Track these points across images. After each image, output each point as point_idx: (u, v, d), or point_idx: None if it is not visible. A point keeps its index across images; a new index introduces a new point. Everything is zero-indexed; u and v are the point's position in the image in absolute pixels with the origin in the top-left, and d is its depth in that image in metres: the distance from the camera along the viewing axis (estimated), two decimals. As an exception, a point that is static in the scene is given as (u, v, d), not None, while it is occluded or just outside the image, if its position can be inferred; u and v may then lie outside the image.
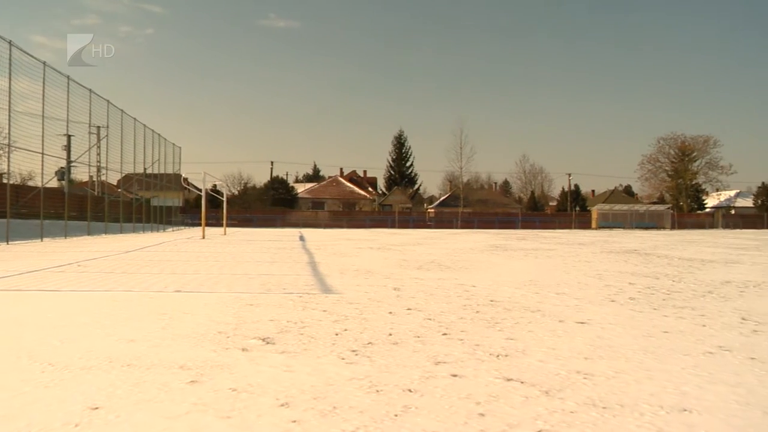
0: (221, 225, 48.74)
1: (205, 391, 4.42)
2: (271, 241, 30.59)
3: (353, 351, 5.75)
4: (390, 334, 6.59)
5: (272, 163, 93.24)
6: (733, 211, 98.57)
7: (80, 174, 43.10)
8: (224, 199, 48.09)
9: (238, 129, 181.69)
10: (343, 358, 5.45)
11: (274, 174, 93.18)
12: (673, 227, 76.38)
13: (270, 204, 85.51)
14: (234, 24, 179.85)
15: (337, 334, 6.56)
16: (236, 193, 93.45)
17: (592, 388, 4.60)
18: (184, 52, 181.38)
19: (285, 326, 6.99)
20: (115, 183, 48.76)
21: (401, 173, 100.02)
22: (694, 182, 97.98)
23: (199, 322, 7.17)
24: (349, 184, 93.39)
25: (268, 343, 6.10)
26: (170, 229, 54.11)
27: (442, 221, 76.67)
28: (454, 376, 4.90)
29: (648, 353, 5.80)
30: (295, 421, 3.81)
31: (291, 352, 5.68)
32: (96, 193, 41.80)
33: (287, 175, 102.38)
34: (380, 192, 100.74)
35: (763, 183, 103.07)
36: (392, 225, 72.41)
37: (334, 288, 10.86)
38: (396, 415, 3.95)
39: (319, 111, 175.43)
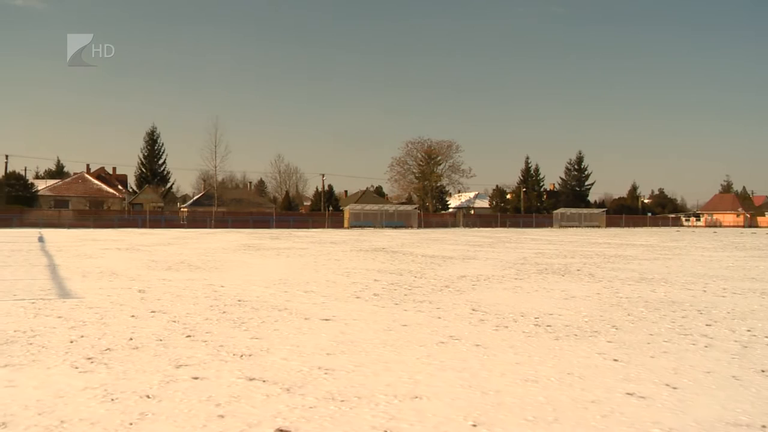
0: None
1: None
2: (3, 243, 27.82)
3: (89, 359, 5.43)
4: (131, 339, 6.32)
5: (7, 157, 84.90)
6: (472, 211, 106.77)
7: None
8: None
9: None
10: (76, 367, 5.13)
11: (10, 169, 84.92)
12: (420, 226, 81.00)
13: (5, 202, 77.72)
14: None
15: (72, 342, 6.15)
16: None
17: (332, 382, 4.76)
18: None
19: (11, 336, 6.41)
20: None
21: (153, 171, 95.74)
22: (438, 184, 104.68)
23: None
24: (96, 182, 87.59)
25: (-12, 356, 5.55)
26: None
27: (195, 221, 74.61)
28: (196, 378, 4.82)
29: (387, 346, 6.12)
30: (14, 440, 3.52)
31: (15, 365, 5.22)
32: None
33: (26, 170, 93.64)
34: (131, 190, 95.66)
35: (497, 186, 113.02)
36: (143, 225, 69.13)
37: (73, 292, 10.17)
38: (131, 424, 3.80)
39: (66, 104, 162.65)
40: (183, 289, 10.71)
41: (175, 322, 7.39)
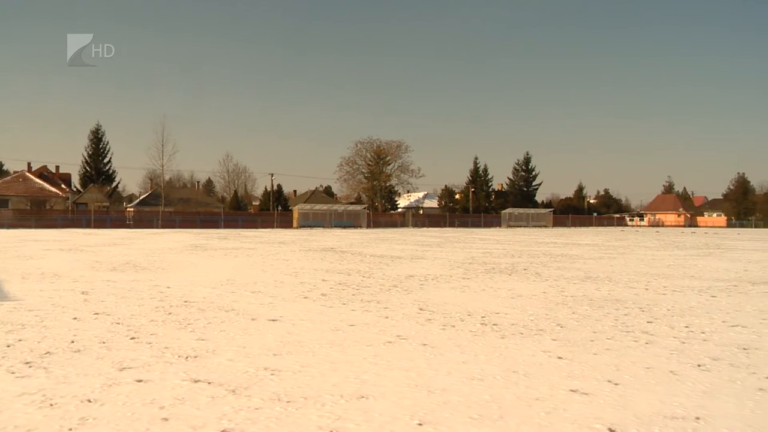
0: None
1: None
2: (-62, 244, 26.94)
3: (27, 363, 5.28)
4: (72, 342, 6.18)
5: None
6: (421, 211, 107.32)
7: None
8: None
9: None
10: (13, 372, 4.98)
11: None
12: (369, 226, 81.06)
13: (-62, 202, 75.16)
14: None
15: (9, 346, 5.97)
16: None
17: (279, 383, 4.73)
18: None
19: (-55, 341, 6.20)
20: None
21: (98, 170, 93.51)
22: (388, 184, 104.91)
23: None
24: (38, 181, 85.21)
25: None
26: None
27: (142, 221, 73.30)
28: (140, 381, 4.74)
29: (334, 346, 6.11)
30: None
31: (-52, 371, 5.05)
32: None
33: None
34: (75, 189, 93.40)
35: (446, 186, 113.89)
36: (88, 225, 67.62)
37: (11, 294, 9.89)
38: (71, 429, 3.71)
39: (7, 102, 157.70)
40: (128, 290, 10.52)
41: (119, 323, 7.25)
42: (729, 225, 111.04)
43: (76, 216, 71.88)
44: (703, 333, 6.95)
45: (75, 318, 7.63)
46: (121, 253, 21.12)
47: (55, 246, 25.66)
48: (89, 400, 4.25)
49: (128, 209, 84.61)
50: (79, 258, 18.58)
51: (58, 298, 9.47)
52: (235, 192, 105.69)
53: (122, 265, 16.05)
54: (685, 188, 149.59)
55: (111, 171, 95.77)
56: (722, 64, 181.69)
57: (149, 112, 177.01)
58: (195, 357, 5.57)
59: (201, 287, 11.01)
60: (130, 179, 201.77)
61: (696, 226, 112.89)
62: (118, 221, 71.94)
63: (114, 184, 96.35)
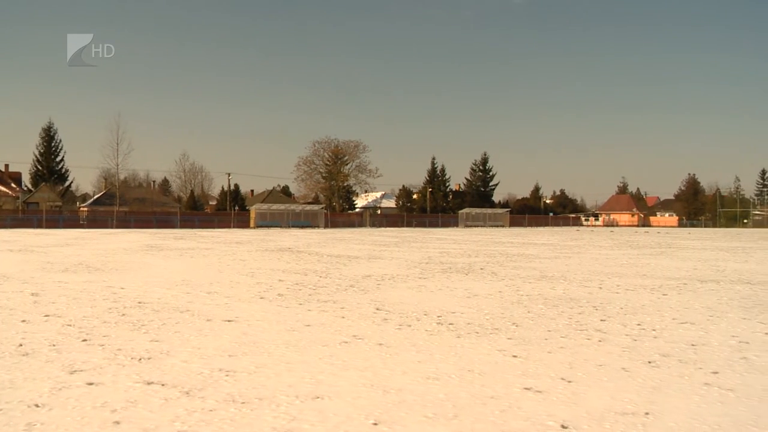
0: None
1: None
2: None
3: (-28, 367, 5.14)
4: (21, 345, 6.03)
5: None
6: (379, 211, 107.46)
7: None
8: None
9: None
10: (-43, 377, 4.85)
11: None
12: (326, 226, 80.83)
13: None
14: None
15: (-46, 350, 5.81)
16: None
17: (233, 384, 4.69)
18: None
19: None
20: None
21: (50, 169, 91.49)
22: (345, 184, 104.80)
23: None
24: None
25: None
26: None
27: (96, 221, 71.96)
28: (91, 384, 4.65)
29: (290, 346, 6.08)
30: None
31: None
32: None
33: None
34: (25, 189, 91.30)
35: (403, 186, 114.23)
36: (39, 225, 66.12)
37: (-43, 297, 9.63)
38: (18, 434, 3.62)
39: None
40: (80, 291, 10.32)
41: (70, 325, 7.11)
42: (680, 225, 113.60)
43: (26, 216, 70.26)
44: (654, 330, 7.09)
45: (24, 320, 7.46)
46: (74, 254, 20.73)
47: (4, 246, 25.09)
48: (37, 405, 4.16)
49: (82, 209, 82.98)
50: (29, 259, 18.19)
51: (6, 300, 9.26)
52: (192, 192, 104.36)
53: (75, 265, 15.75)
54: (638, 189, 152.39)
55: (64, 170, 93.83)
56: (676, 64, 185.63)
57: (104, 110, 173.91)
58: (148, 359, 5.49)
59: (156, 288, 10.86)
60: (84, 178, 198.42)
61: (649, 225, 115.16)
62: (72, 221, 70.54)
63: (67, 183, 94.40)
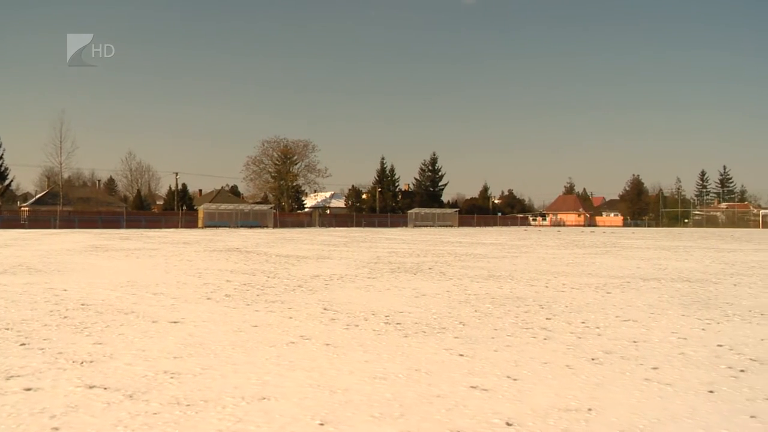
0: None
1: None
2: None
3: None
4: (-46, 351, 5.85)
5: None
6: (328, 211, 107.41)
7: None
8: None
9: None
10: None
11: None
12: (276, 226, 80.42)
13: None
14: None
15: None
16: None
17: (178, 386, 4.63)
18: None
19: None
20: None
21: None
22: (294, 183, 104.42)
23: None
24: None
25: None
26: None
27: (38, 220, 70.22)
28: (29, 389, 4.53)
29: (237, 347, 6.02)
30: None
31: None
32: None
33: None
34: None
35: (353, 185, 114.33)
36: (-23, 225, 64.37)
37: None
38: (-50, 443, 3.52)
39: None
40: (20, 293, 10.06)
41: (7, 329, 6.91)
42: (625, 224, 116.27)
43: (-36, 216, 68.10)
44: (597, 328, 7.23)
45: (-40, 324, 7.23)
46: (14, 255, 20.19)
47: (-59, 248, 24.29)
48: (-29, 412, 4.04)
49: (23, 208, 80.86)
50: (-33, 260, 17.65)
51: (-58, 303, 8.97)
52: (138, 191, 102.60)
53: (14, 267, 15.33)
54: (585, 189, 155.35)
55: (3, 168, 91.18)
56: (625, 63, 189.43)
57: (47, 107, 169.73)
58: (91, 362, 5.38)
59: (100, 289, 10.65)
60: (25, 177, 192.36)
61: (595, 225, 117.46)
62: (12, 221, 68.64)
63: (6, 182, 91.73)
